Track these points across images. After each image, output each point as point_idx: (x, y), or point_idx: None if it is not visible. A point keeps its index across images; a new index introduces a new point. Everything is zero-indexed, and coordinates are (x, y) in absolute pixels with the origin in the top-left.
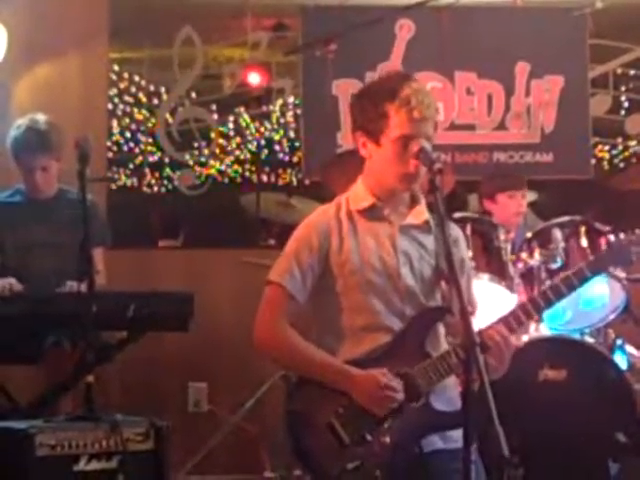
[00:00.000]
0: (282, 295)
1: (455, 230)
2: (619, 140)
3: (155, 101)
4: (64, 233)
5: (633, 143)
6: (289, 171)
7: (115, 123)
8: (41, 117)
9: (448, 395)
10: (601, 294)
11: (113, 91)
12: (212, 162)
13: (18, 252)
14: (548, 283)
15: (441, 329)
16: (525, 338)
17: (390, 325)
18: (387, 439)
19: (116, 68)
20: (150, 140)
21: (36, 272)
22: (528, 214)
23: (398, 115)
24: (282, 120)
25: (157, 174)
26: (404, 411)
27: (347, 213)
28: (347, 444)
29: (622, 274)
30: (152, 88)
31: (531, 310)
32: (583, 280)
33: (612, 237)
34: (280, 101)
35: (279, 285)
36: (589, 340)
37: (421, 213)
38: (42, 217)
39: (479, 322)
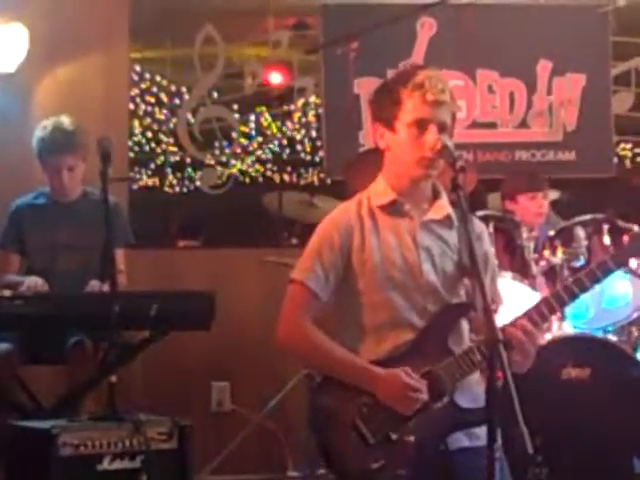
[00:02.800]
0: (305, 293)
1: (479, 225)
2: None
3: (177, 101)
4: (88, 234)
5: None
6: (311, 170)
7: (137, 123)
8: (66, 118)
9: (473, 392)
10: (624, 292)
11: (134, 91)
12: (234, 162)
13: (43, 254)
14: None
15: (464, 325)
16: (548, 337)
17: (412, 321)
18: (412, 438)
19: (137, 68)
20: (171, 140)
21: (61, 273)
22: (550, 213)
23: (411, 99)
24: (304, 119)
25: (179, 174)
26: (428, 410)
27: (368, 210)
28: (371, 443)
29: None
30: (173, 88)
31: (554, 304)
32: (606, 273)
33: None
34: (302, 100)
35: (302, 283)
36: (612, 338)
37: (442, 208)
38: (67, 219)
39: (502, 319)
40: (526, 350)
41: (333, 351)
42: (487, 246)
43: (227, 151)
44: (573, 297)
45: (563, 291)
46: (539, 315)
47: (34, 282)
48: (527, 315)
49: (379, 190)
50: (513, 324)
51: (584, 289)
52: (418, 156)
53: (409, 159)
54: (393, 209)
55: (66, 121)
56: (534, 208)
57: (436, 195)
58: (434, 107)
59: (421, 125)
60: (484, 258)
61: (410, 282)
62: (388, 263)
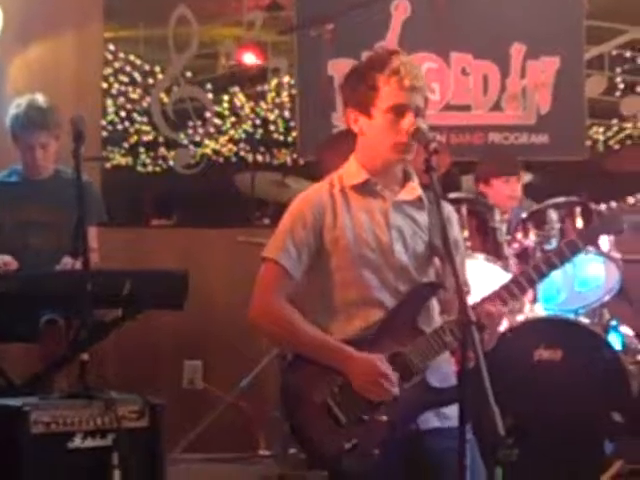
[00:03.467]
0: (277, 271)
1: (447, 209)
2: (614, 121)
3: (150, 80)
4: (61, 212)
5: (628, 125)
6: (284, 151)
7: (110, 102)
8: (40, 96)
9: (442, 371)
10: (596, 275)
11: (108, 70)
12: (207, 141)
13: (15, 231)
14: (540, 256)
15: (434, 305)
16: (520, 318)
17: (382, 300)
18: (383, 417)
19: (111, 47)
20: (145, 119)
21: (33, 251)
22: (522, 197)
23: (388, 85)
24: (277, 100)
25: (152, 153)
26: (399, 390)
27: (340, 190)
28: (343, 424)
29: (618, 255)
30: (147, 67)
31: (524, 283)
32: (575, 251)
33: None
34: (275, 81)
35: (274, 262)
36: (584, 320)
37: (414, 189)
38: (39, 196)
39: (473, 300)
40: (495, 328)
41: (306, 330)
42: (456, 231)
43: (200, 131)
44: (542, 276)
45: (532, 270)
46: (509, 294)
47: (4, 259)
48: (497, 293)
49: (351, 170)
50: (484, 302)
51: (553, 267)
52: (395, 141)
53: (385, 144)
54: (365, 189)
55: (40, 99)
56: (507, 192)
57: (407, 177)
58: (410, 93)
59: (398, 111)
60: (454, 242)
61: (382, 261)
62: (360, 242)
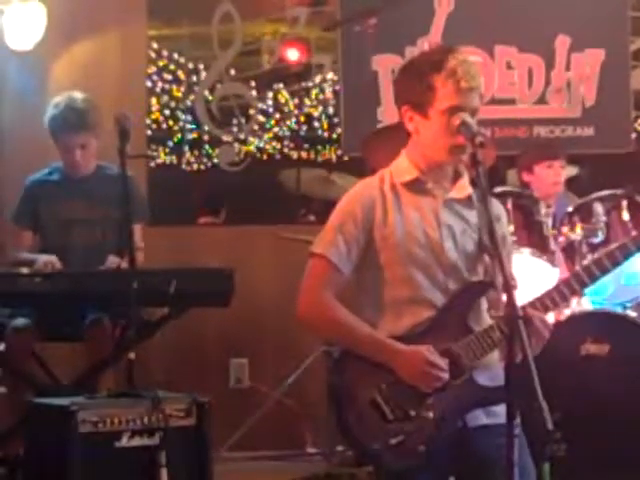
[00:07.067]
0: (326, 267)
1: (497, 207)
2: None
3: (194, 78)
4: (103, 209)
5: None
6: (328, 147)
7: (154, 101)
8: (79, 95)
9: (492, 371)
10: None
11: (152, 69)
12: (251, 139)
13: (58, 229)
14: (590, 257)
15: (484, 304)
16: (567, 312)
17: (432, 299)
18: (430, 414)
19: (155, 45)
20: (189, 117)
21: (76, 248)
22: (567, 192)
23: (445, 86)
24: (321, 96)
25: (196, 151)
26: (447, 387)
27: (391, 186)
28: (390, 420)
29: None
30: (191, 65)
31: (575, 285)
32: (627, 255)
33: None
34: (319, 77)
35: (323, 257)
36: (631, 314)
37: (464, 188)
38: (80, 194)
39: (521, 296)
40: (541, 334)
41: (355, 325)
42: (505, 228)
43: (245, 128)
44: (593, 279)
45: (583, 272)
46: (559, 295)
47: (49, 260)
48: (548, 295)
49: (402, 167)
50: (533, 305)
51: (604, 271)
52: (451, 144)
53: (441, 145)
54: (416, 187)
55: (78, 98)
56: (551, 177)
57: (458, 175)
58: (468, 94)
59: (454, 112)
60: (502, 239)
61: (432, 259)
62: (410, 239)
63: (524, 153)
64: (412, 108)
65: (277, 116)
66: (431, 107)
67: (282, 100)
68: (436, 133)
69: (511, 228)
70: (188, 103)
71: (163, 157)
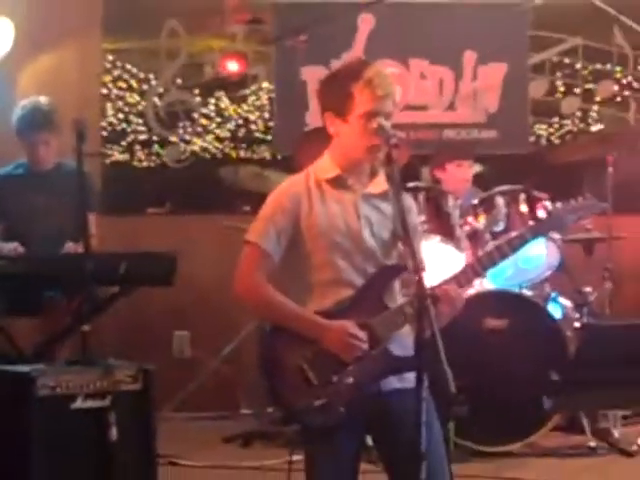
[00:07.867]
0: (259, 253)
1: (408, 200)
2: (555, 119)
3: (144, 86)
4: (63, 201)
5: (567, 122)
6: (263, 147)
7: (109, 106)
8: (43, 99)
9: (404, 342)
10: (539, 254)
11: (107, 78)
12: (195, 139)
13: (22, 219)
14: (492, 244)
15: (397, 284)
16: (472, 291)
17: (352, 280)
18: (350, 380)
19: (109, 57)
20: (140, 120)
21: (38, 236)
22: (472, 187)
23: (363, 94)
24: (257, 102)
25: (146, 150)
26: (365, 356)
27: (315, 182)
28: (315, 384)
29: (557, 236)
30: (142, 75)
31: (478, 269)
32: (524, 242)
33: (550, 205)
34: (255, 85)
35: (256, 244)
36: (527, 293)
37: (380, 183)
38: (42, 187)
39: (430, 278)
40: (454, 304)
41: (285, 304)
42: (414, 218)
43: (189, 130)
44: (494, 263)
45: (486, 257)
46: (465, 277)
47: (13, 246)
48: (455, 278)
49: (325, 166)
50: (445, 284)
51: (504, 256)
52: (368, 144)
53: (359, 146)
54: (338, 183)
55: (43, 101)
56: (460, 175)
57: (374, 172)
58: (382, 100)
59: (371, 117)
60: (413, 228)
61: (352, 246)
62: (333, 228)
63: (437, 153)
64: (333, 114)
65: (218, 120)
66: (350, 113)
67: (222, 106)
68: (355, 135)
69: (422, 218)
70: (139, 108)
71: (117, 155)
